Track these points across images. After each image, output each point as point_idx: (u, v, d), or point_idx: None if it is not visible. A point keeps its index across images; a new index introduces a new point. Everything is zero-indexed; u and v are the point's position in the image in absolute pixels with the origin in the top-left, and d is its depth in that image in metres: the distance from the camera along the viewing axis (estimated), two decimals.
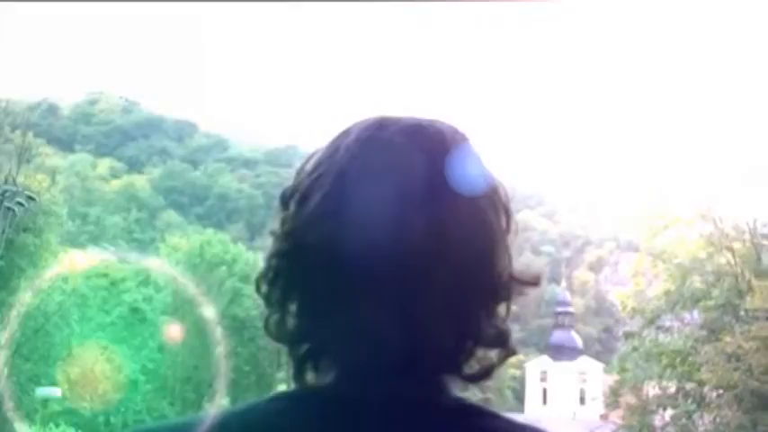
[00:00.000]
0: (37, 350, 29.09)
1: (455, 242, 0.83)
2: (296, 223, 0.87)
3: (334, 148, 0.90)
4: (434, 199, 0.84)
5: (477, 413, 0.86)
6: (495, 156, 0.90)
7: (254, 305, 40.24)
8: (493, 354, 0.89)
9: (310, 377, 0.87)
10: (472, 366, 0.88)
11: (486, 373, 0.88)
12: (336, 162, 0.87)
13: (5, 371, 26.68)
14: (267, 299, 0.89)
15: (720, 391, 22.47)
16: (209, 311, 35.39)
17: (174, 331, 36.64)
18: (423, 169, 0.85)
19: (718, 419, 22.55)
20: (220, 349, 29.21)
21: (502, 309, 0.89)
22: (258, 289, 0.90)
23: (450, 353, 0.85)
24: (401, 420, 0.82)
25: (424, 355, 0.84)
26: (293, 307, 0.87)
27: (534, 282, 0.92)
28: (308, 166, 0.91)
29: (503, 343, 0.88)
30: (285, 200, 0.90)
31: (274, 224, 0.91)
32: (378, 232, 0.82)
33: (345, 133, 0.91)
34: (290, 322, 0.87)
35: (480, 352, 0.87)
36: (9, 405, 26.88)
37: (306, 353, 0.87)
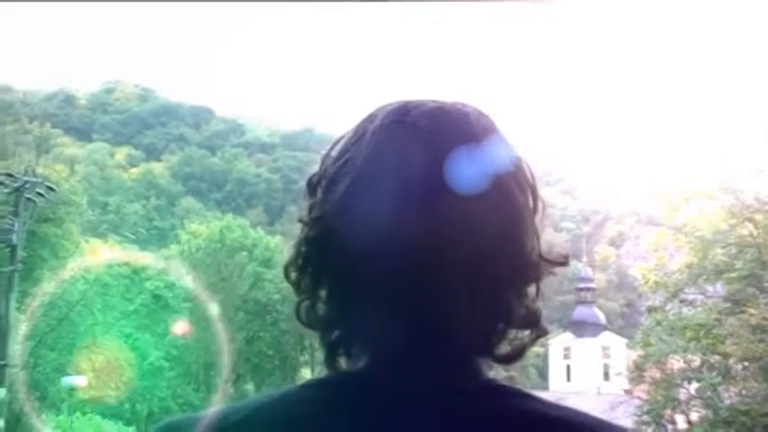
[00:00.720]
0: (61, 340, 29.41)
1: (484, 224, 0.83)
2: (324, 210, 0.87)
3: (359, 133, 0.89)
4: (461, 186, 0.83)
5: (510, 394, 0.86)
6: (515, 132, 0.88)
7: (275, 289, 40.52)
8: (524, 334, 0.89)
9: (343, 363, 0.87)
10: (504, 347, 0.88)
11: (517, 354, 0.89)
12: (362, 148, 0.87)
13: (31, 361, 26.99)
14: (297, 285, 0.89)
15: (746, 363, 22.38)
16: (230, 297, 35.61)
17: (196, 318, 36.91)
18: (448, 152, 0.85)
19: (744, 391, 22.47)
20: (243, 334, 29.40)
21: (532, 289, 0.89)
22: (287, 276, 0.90)
23: (481, 335, 0.85)
24: (434, 404, 0.82)
25: (456, 338, 0.84)
26: (323, 293, 0.87)
27: (563, 261, 0.92)
28: (334, 152, 0.90)
29: (534, 323, 0.89)
30: (312, 186, 0.90)
31: (301, 211, 0.91)
32: (406, 217, 0.81)
33: (370, 118, 0.90)
34: (321, 308, 0.87)
35: (512, 333, 0.87)
36: (36, 394, 27.24)
37: (337, 339, 0.87)
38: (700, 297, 26.11)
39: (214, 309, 34.40)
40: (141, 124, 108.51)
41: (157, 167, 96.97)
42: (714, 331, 23.20)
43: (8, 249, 24.46)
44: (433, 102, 0.90)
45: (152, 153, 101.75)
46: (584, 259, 64.93)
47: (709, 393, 23.45)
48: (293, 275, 0.89)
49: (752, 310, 21.16)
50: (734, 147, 23.68)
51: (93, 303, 32.03)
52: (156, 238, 70.67)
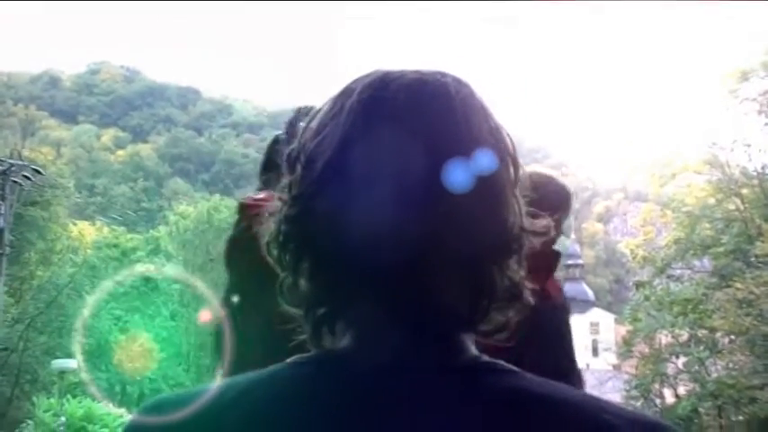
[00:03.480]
0: (51, 323, 29.31)
1: (463, 198, 0.81)
2: (302, 188, 0.86)
3: (336, 107, 0.88)
4: (440, 156, 0.82)
5: (496, 371, 0.84)
6: (503, 110, 0.87)
7: None
8: (509, 308, 0.87)
9: (327, 341, 0.86)
10: (489, 322, 0.86)
11: (502, 328, 0.87)
12: (340, 124, 0.85)
13: (21, 344, 26.94)
14: (279, 263, 0.88)
15: (732, 337, 22.53)
16: (219, 277, 35.61)
17: (185, 299, 36.88)
18: (427, 126, 0.84)
19: (730, 365, 22.65)
20: None
21: (514, 261, 0.87)
22: (270, 253, 0.89)
23: (465, 310, 0.84)
24: (420, 381, 0.81)
25: (440, 314, 0.83)
26: (305, 271, 0.86)
27: (545, 232, 0.90)
28: (312, 126, 0.89)
29: (517, 296, 0.87)
30: (291, 162, 0.89)
31: (281, 186, 0.89)
32: (385, 196, 0.81)
33: (348, 91, 0.88)
34: (303, 286, 0.86)
35: (496, 306, 0.86)
36: (26, 377, 27.22)
37: (321, 316, 0.86)
38: (687, 272, 26.20)
39: (203, 289, 34.37)
40: (127, 106, 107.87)
41: (144, 149, 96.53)
42: (701, 306, 23.31)
43: None
44: (413, 72, 0.88)
45: (139, 135, 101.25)
46: (573, 236, 65.04)
47: (696, 367, 23.62)
48: (275, 253, 0.88)
49: (738, 285, 21.25)
50: (721, 121, 23.63)
51: (81, 286, 31.90)
52: (145, 219, 70.52)
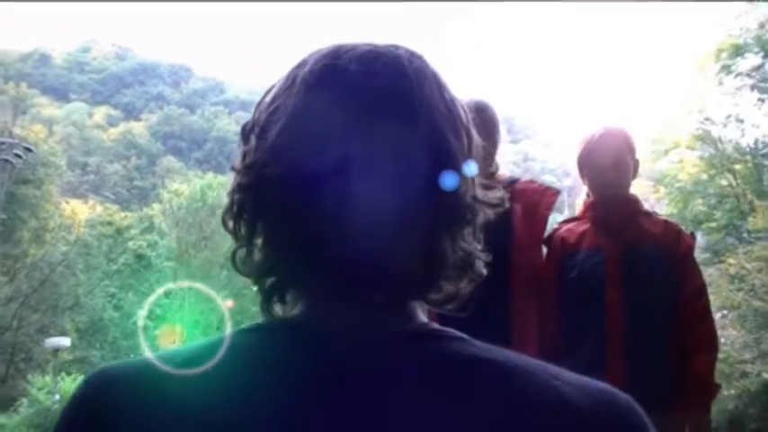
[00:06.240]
0: (44, 301, 29.31)
1: (414, 167, 0.82)
2: (255, 157, 0.86)
3: (291, 79, 0.88)
4: (392, 128, 0.82)
5: (444, 338, 0.84)
6: (450, 74, 0.88)
7: None
8: (461, 278, 0.88)
9: (278, 310, 0.87)
10: (440, 291, 0.87)
11: (452, 297, 0.88)
12: (293, 94, 0.86)
13: (15, 323, 26.95)
14: (234, 234, 0.88)
15: (724, 312, 22.61)
16: (212, 255, 35.55)
17: (179, 277, 36.83)
18: (379, 94, 0.83)
19: (722, 339, 22.71)
20: (226, 292, 29.43)
21: (467, 232, 0.88)
22: (225, 224, 0.89)
23: (416, 279, 0.84)
24: (368, 349, 0.81)
25: (390, 283, 0.83)
26: (259, 241, 0.86)
27: (499, 204, 0.91)
28: (267, 99, 0.89)
29: (468, 266, 0.88)
30: (245, 134, 0.89)
31: (235, 159, 0.90)
32: (336, 163, 0.80)
33: (302, 63, 0.89)
34: (257, 256, 0.87)
35: (447, 276, 0.87)
36: (20, 356, 27.23)
37: (272, 285, 0.86)
38: None
39: (197, 267, 34.37)
40: (119, 83, 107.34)
41: (137, 127, 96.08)
42: None
43: None
44: (366, 44, 0.88)
45: (131, 112, 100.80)
46: (566, 212, 64.70)
47: None
48: (230, 224, 0.88)
49: (731, 260, 21.32)
50: (714, 97, 23.60)
51: (75, 264, 31.88)
52: (138, 197, 70.32)
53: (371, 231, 0.80)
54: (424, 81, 0.86)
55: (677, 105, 24.06)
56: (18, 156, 26.27)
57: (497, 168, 3.30)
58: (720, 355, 16.49)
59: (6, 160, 25.71)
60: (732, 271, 21.20)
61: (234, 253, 0.88)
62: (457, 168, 0.85)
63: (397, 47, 0.89)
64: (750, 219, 21.62)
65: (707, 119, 24.07)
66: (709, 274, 22.57)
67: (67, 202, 41.43)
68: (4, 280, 28.35)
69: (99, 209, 49.43)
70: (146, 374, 0.81)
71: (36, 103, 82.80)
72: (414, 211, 0.82)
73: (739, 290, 20.82)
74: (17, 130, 30.99)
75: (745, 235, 22.86)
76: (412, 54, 0.89)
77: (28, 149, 27.07)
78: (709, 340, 3.12)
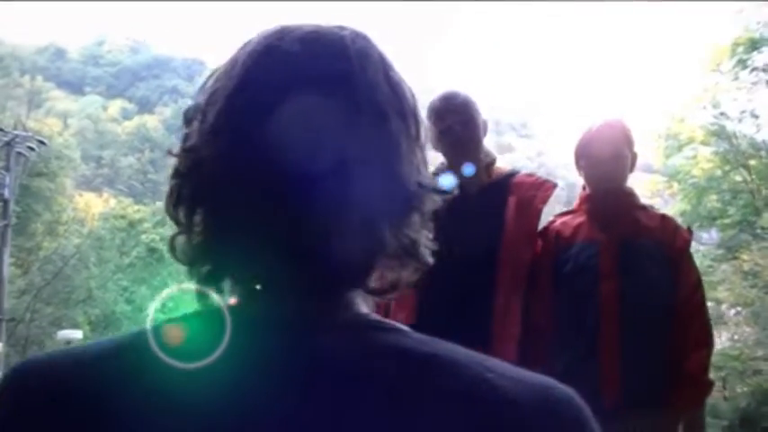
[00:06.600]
0: (57, 294, 29.49)
1: (356, 152, 0.79)
2: (193, 141, 0.83)
3: (232, 61, 0.85)
4: (336, 112, 0.79)
5: (380, 329, 0.81)
6: (397, 56, 0.86)
7: None
8: (403, 266, 0.85)
9: (215, 298, 0.83)
10: (380, 280, 0.84)
11: (392, 286, 0.85)
12: (232, 76, 0.83)
13: (28, 315, 27.12)
14: (175, 220, 0.85)
15: (738, 309, 22.51)
16: None
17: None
18: (320, 73, 0.81)
19: (735, 336, 22.65)
20: None
21: (413, 219, 0.84)
22: (167, 210, 0.86)
23: (355, 267, 0.82)
24: (301, 338, 0.78)
25: (326, 271, 0.80)
26: (198, 226, 0.83)
27: (445, 190, 0.87)
28: (209, 83, 0.87)
29: (411, 255, 0.84)
30: (187, 117, 0.87)
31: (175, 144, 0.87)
32: (273, 147, 0.77)
33: (244, 45, 0.87)
34: (196, 241, 0.83)
35: (389, 265, 0.84)
36: (33, 348, 27.40)
37: (207, 273, 0.83)
38: (693, 244, 26.11)
39: None
40: (134, 77, 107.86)
41: (151, 120, 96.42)
42: (707, 278, 23.23)
43: (1, 204, 24.43)
44: (311, 25, 0.86)
45: (145, 106, 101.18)
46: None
47: None
48: (170, 210, 0.85)
49: (744, 256, 21.25)
50: (728, 92, 23.45)
51: (87, 257, 32.05)
52: (151, 191, 70.57)
53: (308, 216, 0.77)
54: (367, 62, 0.83)
55: (691, 100, 23.83)
56: (31, 149, 26.38)
57: (494, 160, 3.27)
58: (733, 353, 16.41)
59: (20, 153, 25.82)
60: (746, 267, 21.11)
61: (172, 239, 0.85)
62: (400, 153, 0.82)
63: (342, 28, 0.87)
64: (764, 215, 21.50)
65: (721, 114, 23.91)
66: (722, 270, 22.49)
67: (81, 195, 41.65)
68: (18, 272, 28.52)
69: (113, 202, 49.68)
70: (71, 361, 0.79)
71: (51, 97, 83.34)
72: (353, 196, 0.78)
73: (753, 286, 20.72)
74: (31, 124, 31.14)
75: (759, 231, 22.71)
76: (357, 35, 0.86)
77: (41, 142, 27.15)
78: (703, 337, 3.08)
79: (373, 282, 0.84)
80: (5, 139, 25.25)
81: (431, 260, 0.86)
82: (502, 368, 0.78)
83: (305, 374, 0.75)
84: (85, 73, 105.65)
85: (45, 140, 27.91)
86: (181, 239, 0.84)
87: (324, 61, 0.82)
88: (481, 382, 0.75)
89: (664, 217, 3.31)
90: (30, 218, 30.32)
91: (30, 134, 26.81)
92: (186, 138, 0.85)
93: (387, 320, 0.83)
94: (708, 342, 3.10)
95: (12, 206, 24.94)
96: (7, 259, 24.23)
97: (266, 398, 0.74)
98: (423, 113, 0.88)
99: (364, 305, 0.84)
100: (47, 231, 31.82)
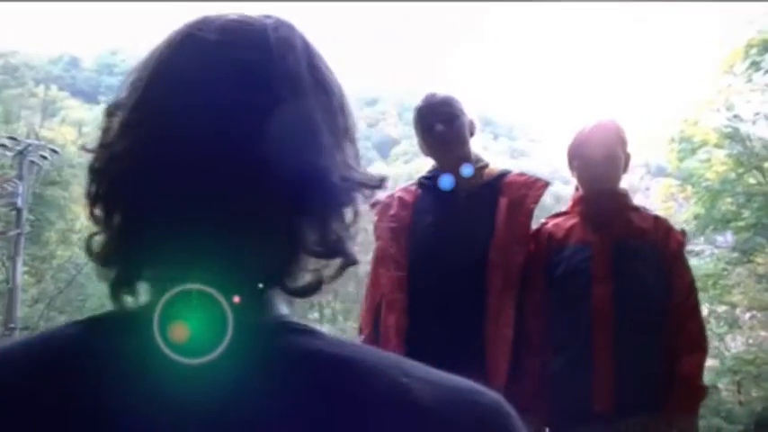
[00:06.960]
0: (70, 302, 29.59)
1: (274, 144, 0.74)
2: (108, 137, 0.80)
3: (152, 52, 0.83)
4: (251, 102, 0.75)
5: (292, 330, 0.77)
6: (333, 48, 0.82)
7: None
8: (326, 265, 0.81)
9: (128, 300, 0.79)
10: (300, 279, 0.80)
11: (315, 286, 0.81)
12: (149, 68, 0.80)
13: (41, 324, 27.22)
14: (94, 218, 0.81)
15: (753, 312, 22.39)
16: None
17: None
18: (236, 62, 0.77)
19: (750, 340, 22.53)
20: None
21: (338, 216, 0.80)
22: (87, 209, 0.83)
23: (271, 266, 0.77)
24: (215, 341, 0.73)
25: (244, 270, 0.76)
26: (115, 224, 0.79)
27: (378, 185, 0.83)
28: (130, 77, 0.83)
29: (336, 253, 0.80)
30: (109, 112, 0.83)
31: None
32: (189, 139, 0.74)
33: (165, 38, 0.84)
34: (110, 241, 0.80)
35: (309, 263, 0.80)
36: None
37: (119, 275, 0.79)
38: (708, 247, 25.95)
39: None
40: None
41: None
42: (721, 281, 23.11)
43: (14, 212, 24.55)
44: (235, 14, 0.83)
45: None
46: None
47: (715, 343, 23.45)
48: (88, 209, 0.81)
49: (759, 260, 21.15)
50: (742, 94, 23.34)
51: None
52: None
53: (224, 214, 0.74)
54: (288, 52, 0.80)
55: (704, 103, 23.72)
56: (44, 157, 26.51)
57: (486, 164, 3.23)
58: (748, 357, 16.33)
59: (33, 162, 25.95)
60: (761, 270, 20.98)
61: (89, 239, 0.81)
62: (325, 149, 0.78)
63: (268, 16, 0.83)
64: None
65: (735, 116, 23.78)
66: (737, 273, 22.35)
67: None
68: (32, 281, 28.64)
69: None
70: None
71: (66, 105, 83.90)
72: (273, 191, 0.74)
73: (767, 290, 20.58)
74: (45, 132, 31.29)
75: None
76: (281, 23, 0.83)
77: (54, 151, 27.28)
78: (698, 340, 3.03)
79: (293, 281, 0.80)
80: (19, 148, 25.39)
81: (357, 259, 0.82)
82: (422, 373, 0.74)
83: (214, 378, 0.71)
84: (99, 82, 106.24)
85: (57, 149, 28.03)
86: (98, 239, 0.81)
87: (241, 50, 0.78)
88: (394, 387, 0.71)
89: (657, 218, 3.26)
90: (43, 226, 30.43)
91: (43, 143, 26.95)
92: (104, 133, 0.81)
93: (300, 322, 0.78)
94: (702, 346, 3.05)
95: (25, 215, 25.08)
96: (21, 268, 24.34)
97: (172, 402, 0.70)
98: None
99: (284, 306, 0.80)
100: (60, 240, 31.91)
